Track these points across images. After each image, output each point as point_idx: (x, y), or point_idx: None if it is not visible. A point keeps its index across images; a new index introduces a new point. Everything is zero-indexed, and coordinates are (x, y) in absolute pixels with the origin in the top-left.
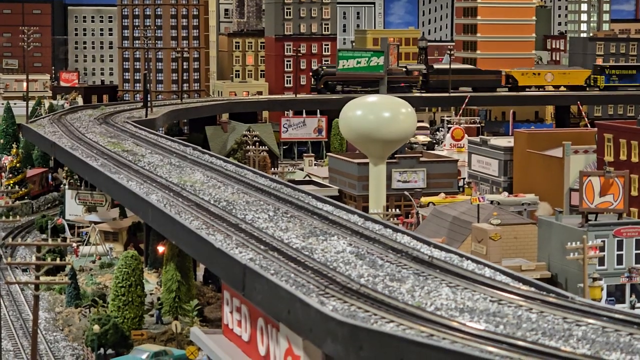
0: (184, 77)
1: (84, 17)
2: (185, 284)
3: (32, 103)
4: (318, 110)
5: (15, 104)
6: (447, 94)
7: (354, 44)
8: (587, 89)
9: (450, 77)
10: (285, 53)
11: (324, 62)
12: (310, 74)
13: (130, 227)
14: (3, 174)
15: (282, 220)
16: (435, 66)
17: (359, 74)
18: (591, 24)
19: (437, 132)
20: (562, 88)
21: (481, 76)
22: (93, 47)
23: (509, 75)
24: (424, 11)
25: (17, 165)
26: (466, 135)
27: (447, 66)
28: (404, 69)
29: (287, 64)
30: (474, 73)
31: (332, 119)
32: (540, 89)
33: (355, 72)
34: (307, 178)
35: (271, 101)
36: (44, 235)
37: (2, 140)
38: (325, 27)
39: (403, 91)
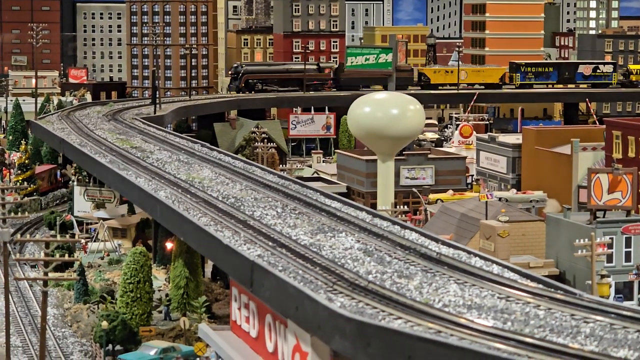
0: (193, 74)
1: (93, 13)
2: (193, 280)
3: (40, 100)
4: (326, 107)
5: (24, 100)
6: (452, 92)
7: (362, 40)
8: (503, 87)
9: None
10: (294, 50)
11: (243, 60)
12: (230, 72)
13: (139, 223)
14: (12, 170)
15: (290, 217)
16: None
17: (366, 70)
18: (600, 21)
19: (446, 129)
20: (476, 86)
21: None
22: (102, 44)
23: (421, 73)
24: (432, 8)
25: (26, 161)
26: (474, 132)
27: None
28: (317, 67)
29: (295, 61)
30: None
31: (340, 115)
32: (454, 87)
33: (364, 69)
34: (315, 175)
35: (279, 98)
36: (52, 232)
37: (11, 137)
38: (333, 24)
39: (316, 89)
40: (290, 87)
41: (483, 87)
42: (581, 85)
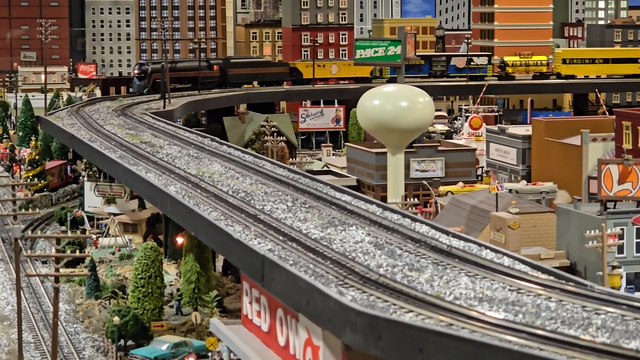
0: None
1: (102, 8)
2: (204, 275)
3: (50, 95)
4: (336, 100)
5: (33, 96)
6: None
7: (371, 33)
8: (373, 80)
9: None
10: (303, 43)
11: (144, 58)
12: (135, 72)
13: (150, 218)
14: (22, 166)
15: (300, 211)
16: (232, 60)
17: (375, 62)
18: (609, 11)
19: (455, 121)
20: (348, 80)
21: (268, 69)
22: (111, 39)
23: (294, 68)
24: (441, 0)
25: (36, 157)
26: (484, 124)
27: (240, 60)
28: (207, 63)
29: (304, 54)
30: (262, 66)
31: (349, 108)
32: (326, 82)
33: (373, 62)
34: (325, 168)
35: (289, 91)
36: (63, 228)
37: (21, 133)
38: (342, 17)
39: (209, 88)
40: (185, 86)
41: (353, 81)
42: (455, 79)
